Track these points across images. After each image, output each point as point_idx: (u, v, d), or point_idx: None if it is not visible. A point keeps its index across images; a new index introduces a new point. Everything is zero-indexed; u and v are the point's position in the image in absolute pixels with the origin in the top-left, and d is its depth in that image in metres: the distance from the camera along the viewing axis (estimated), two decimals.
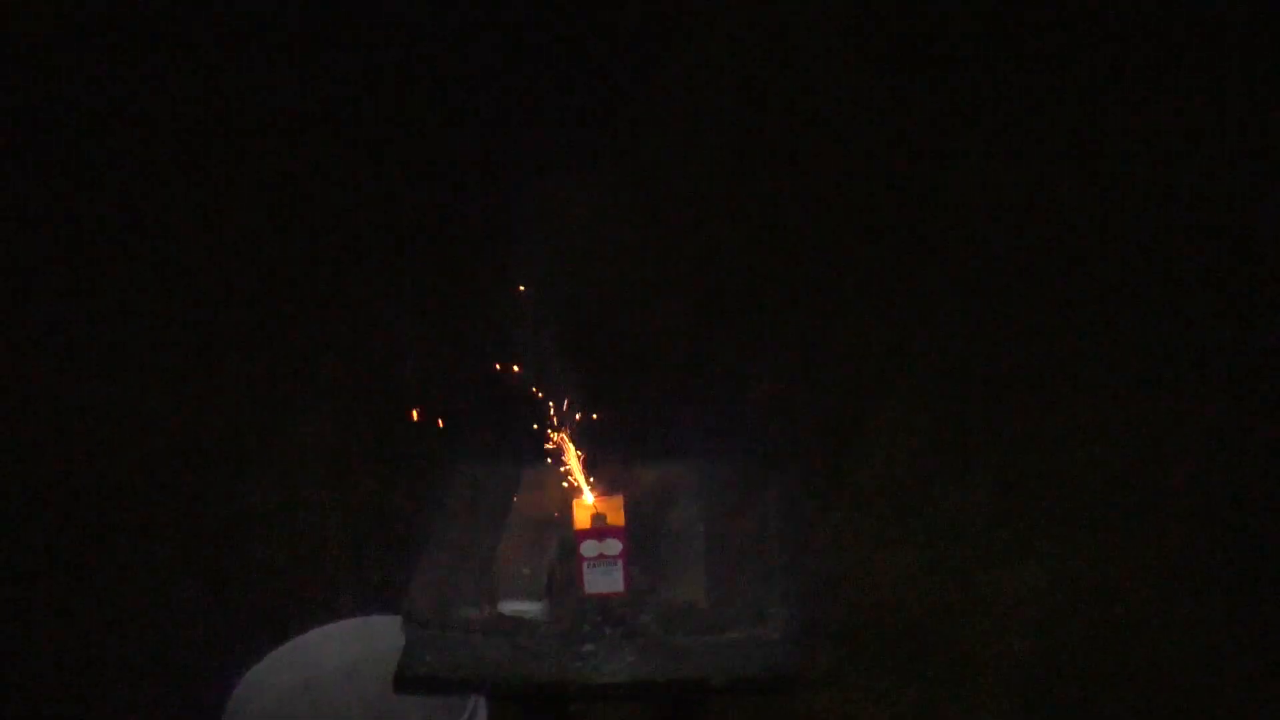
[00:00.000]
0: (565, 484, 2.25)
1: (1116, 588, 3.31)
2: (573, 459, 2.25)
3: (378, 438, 4.06)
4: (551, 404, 2.30)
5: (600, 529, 2.12)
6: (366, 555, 3.47)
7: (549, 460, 2.31)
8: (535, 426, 2.29)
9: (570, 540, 2.19)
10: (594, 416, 2.33)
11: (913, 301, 4.70)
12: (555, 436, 2.28)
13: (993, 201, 5.27)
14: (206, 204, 5.72)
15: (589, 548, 2.13)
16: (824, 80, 6.25)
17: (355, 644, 2.57)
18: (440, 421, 2.81)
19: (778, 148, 5.78)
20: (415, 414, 2.91)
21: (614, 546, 2.13)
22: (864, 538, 3.63)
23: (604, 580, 2.17)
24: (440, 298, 4.81)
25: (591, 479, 2.22)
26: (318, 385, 4.41)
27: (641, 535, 2.25)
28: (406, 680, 2.11)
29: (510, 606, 2.17)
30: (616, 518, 2.14)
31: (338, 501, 3.77)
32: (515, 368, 2.43)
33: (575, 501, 2.21)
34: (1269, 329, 4.28)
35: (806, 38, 6.63)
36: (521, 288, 2.85)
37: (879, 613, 3.32)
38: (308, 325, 4.80)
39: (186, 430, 4.18)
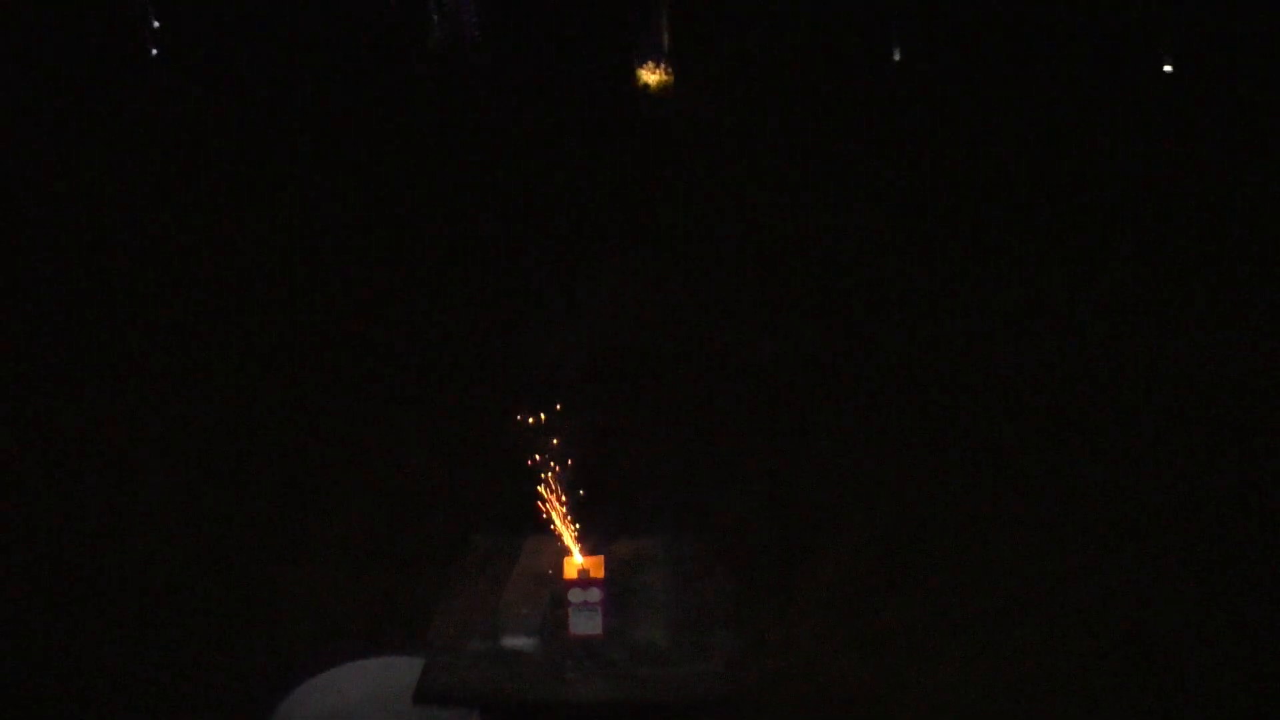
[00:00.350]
0: (558, 544, 2.88)
1: (1028, 686, 3.88)
2: (565, 529, 2.88)
3: (395, 528, 4.70)
4: (550, 486, 2.95)
5: (584, 580, 2.74)
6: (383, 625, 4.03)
7: (547, 530, 2.94)
8: (537, 502, 2.92)
9: (560, 592, 2.80)
10: (582, 492, 2.97)
11: (863, 445, 5.47)
12: (551, 510, 2.91)
13: (935, 358, 6.15)
14: (244, 334, 6.62)
15: (575, 594, 2.74)
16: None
17: (377, 678, 3.11)
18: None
19: (758, 299, 6.70)
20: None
21: (595, 595, 2.74)
22: (813, 636, 4.20)
23: (586, 623, 2.77)
24: (457, 410, 5.59)
25: (580, 544, 2.85)
26: (344, 484, 5.11)
27: (617, 592, 2.86)
28: (425, 694, 2.69)
29: (510, 641, 2.76)
30: (598, 572, 2.76)
31: (361, 583, 4.36)
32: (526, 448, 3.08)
33: (565, 560, 2.83)
34: (1158, 478, 5.03)
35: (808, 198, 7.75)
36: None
37: (821, 698, 3.87)
38: (335, 434, 5.54)
39: (235, 521, 4.82)
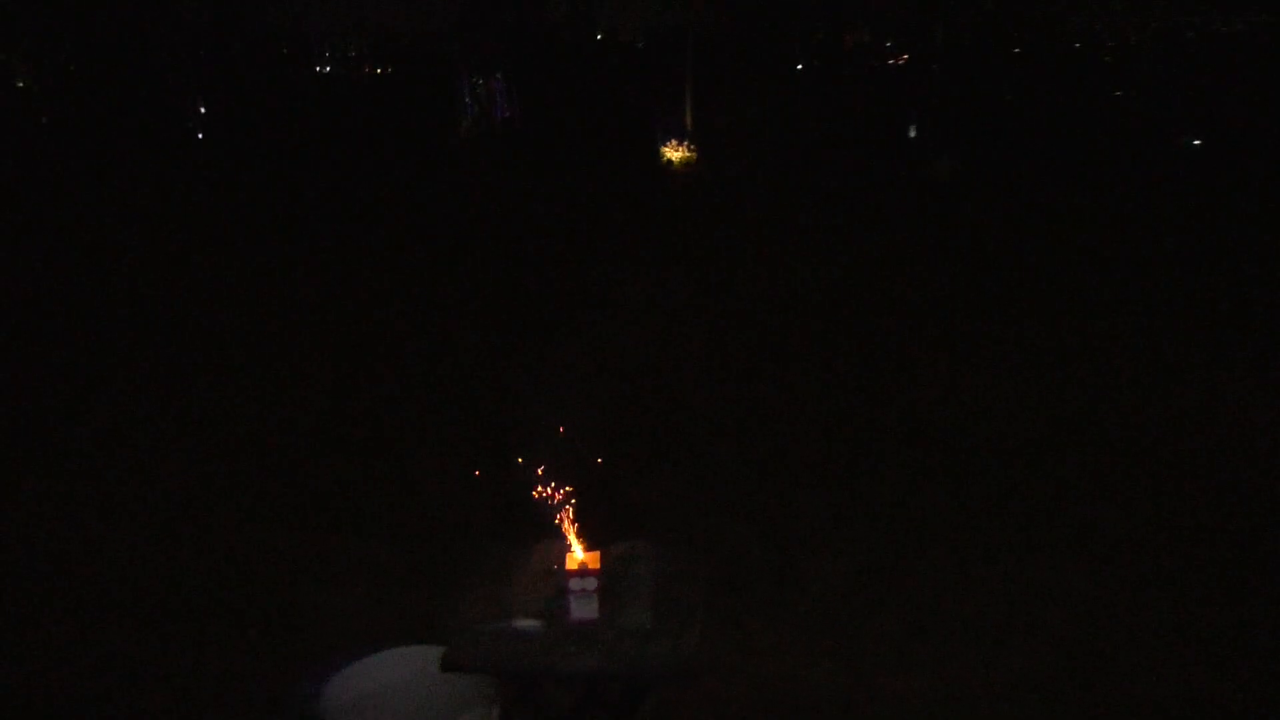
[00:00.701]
0: (560, 540, 3.40)
1: (994, 693, 4.32)
2: (569, 531, 3.41)
3: (415, 549, 5.26)
4: (556, 498, 3.49)
5: (583, 570, 3.26)
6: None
7: (553, 534, 3.47)
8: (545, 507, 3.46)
9: (562, 582, 3.32)
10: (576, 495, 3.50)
11: (847, 473, 6.02)
12: (557, 518, 3.44)
13: (909, 407, 6.75)
14: (270, 378, 7.39)
15: (575, 583, 3.26)
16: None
17: (404, 666, 3.59)
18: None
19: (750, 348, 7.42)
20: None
21: (592, 583, 3.26)
22: (798, 648, 4.67)
23: (584, 608, 3.28)
24: (474, 438, 6.26)
25: (580, 542, 3.38)
26: (367, 508, 5.71)
27: (611, 583, 3.38)
28: (450, 665, 3.21)
29: (520, 623, 3.28)
30: (595, 565, 3.29)
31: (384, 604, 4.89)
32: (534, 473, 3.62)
33: (567, 555, 3.36)
34: (1134, 500, 5.53)
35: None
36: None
37: (803, 706, 4.32)
38: (358, 463, 6.19)
39: (266, 541, 5.39)
